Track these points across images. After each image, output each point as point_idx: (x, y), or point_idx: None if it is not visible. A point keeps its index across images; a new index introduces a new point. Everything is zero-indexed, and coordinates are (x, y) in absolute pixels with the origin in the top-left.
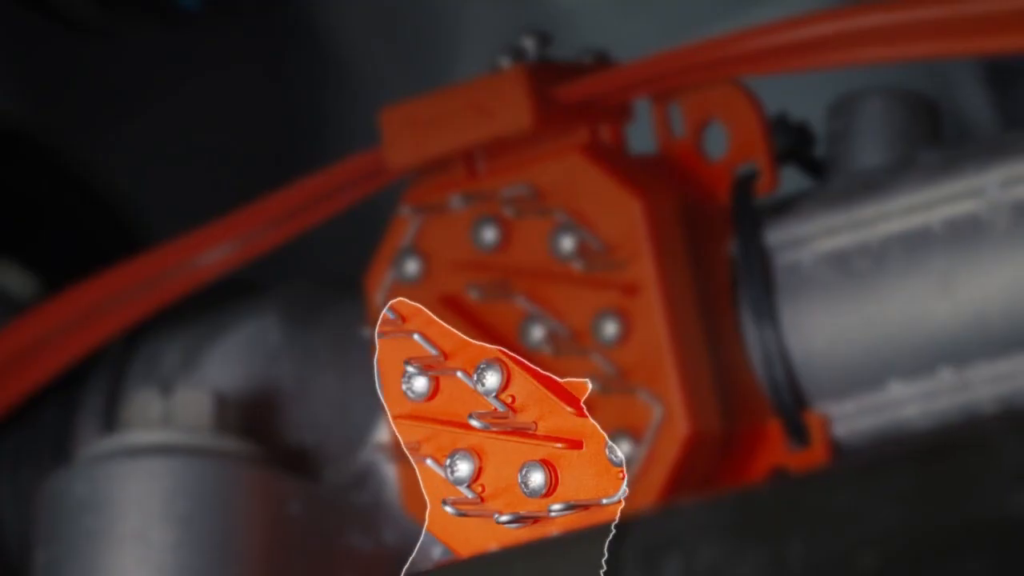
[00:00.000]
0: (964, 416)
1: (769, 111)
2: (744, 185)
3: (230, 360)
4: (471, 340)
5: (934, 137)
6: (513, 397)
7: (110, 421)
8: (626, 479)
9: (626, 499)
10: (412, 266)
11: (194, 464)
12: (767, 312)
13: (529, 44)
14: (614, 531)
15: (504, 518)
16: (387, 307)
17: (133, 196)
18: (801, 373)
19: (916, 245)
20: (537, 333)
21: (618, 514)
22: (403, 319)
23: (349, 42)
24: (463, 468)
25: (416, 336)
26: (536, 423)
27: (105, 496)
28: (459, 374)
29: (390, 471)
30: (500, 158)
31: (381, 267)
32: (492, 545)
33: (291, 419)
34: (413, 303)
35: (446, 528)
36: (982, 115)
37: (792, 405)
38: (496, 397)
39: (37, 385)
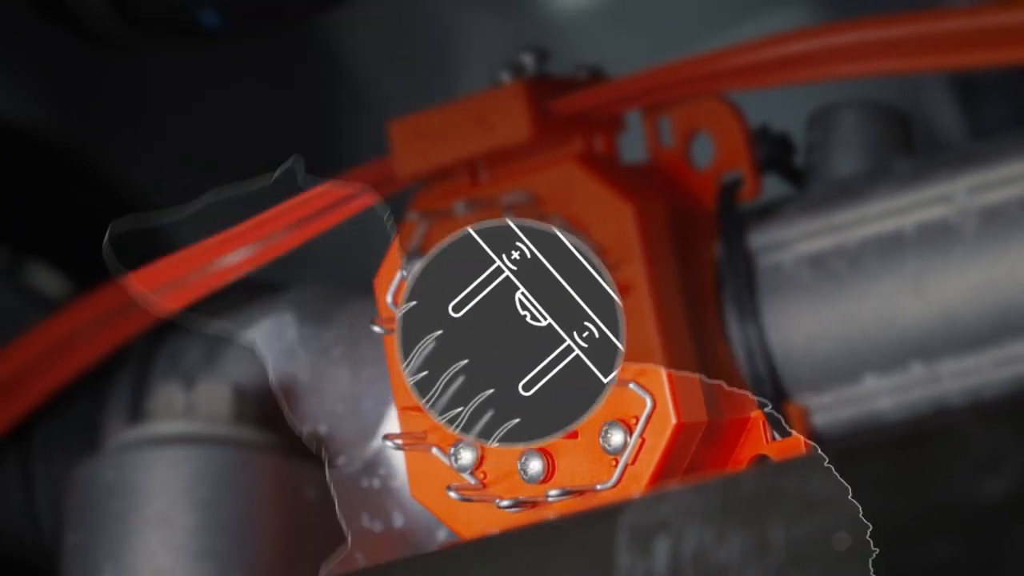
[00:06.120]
0: (934, 408)
1: (752, 123)
2: (729, 192)
3: (249, 355)
4: None
5: (907, 147)
6: None
7: (136, 413)
8: (619, 467)
9: (618, 485)
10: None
11: (215, 452)
12: (750, 311)
13: (528, 60)
14: (608, 515)
15: (504, 503)
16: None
17: (157, 202)
18: (782, 367)
19: (890, 248)
20: None
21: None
22: None
23: (361, 58)
24: (466, 456)
25: None
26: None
27: (131, 483)
28: None
29: (399, 459)
30: (501, 167)
31: (390, 268)
32: (493, 528)
33: (306, 410)
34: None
35: (450, 512)
36: (951, 126)
37: (773, 397)
38: None
39: (68, 379)
